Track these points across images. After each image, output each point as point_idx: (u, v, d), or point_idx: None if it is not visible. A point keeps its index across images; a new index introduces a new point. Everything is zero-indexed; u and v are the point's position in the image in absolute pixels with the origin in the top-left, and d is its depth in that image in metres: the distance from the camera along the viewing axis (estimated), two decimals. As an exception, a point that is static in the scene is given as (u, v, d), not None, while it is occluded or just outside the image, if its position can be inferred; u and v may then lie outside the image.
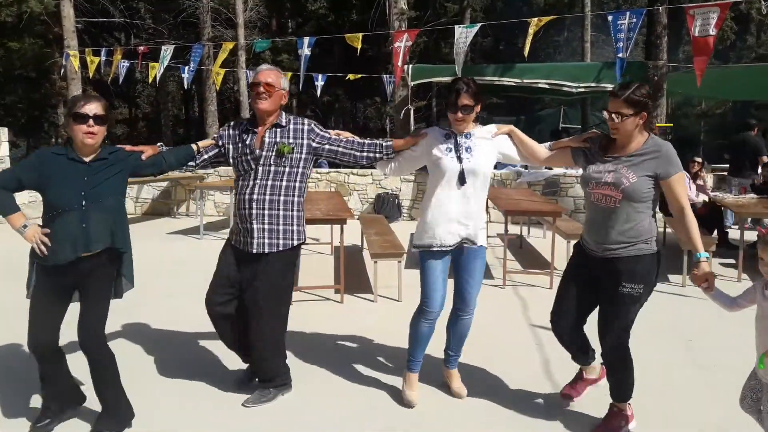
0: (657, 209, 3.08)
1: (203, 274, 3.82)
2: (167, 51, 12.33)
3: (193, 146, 3.41)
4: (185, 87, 15.15)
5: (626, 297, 2.91)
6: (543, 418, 3.28)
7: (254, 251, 3.25)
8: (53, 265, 2.80)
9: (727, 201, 7.32)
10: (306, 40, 11.21)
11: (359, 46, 10.92)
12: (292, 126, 3.33)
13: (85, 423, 3.11)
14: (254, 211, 3.23)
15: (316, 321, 4.91)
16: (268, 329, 3.34)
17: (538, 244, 8.41)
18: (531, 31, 9.60)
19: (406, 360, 3.52)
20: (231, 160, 3.35)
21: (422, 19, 21.63)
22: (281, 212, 3.27)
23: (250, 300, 3.29)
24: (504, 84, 12.48)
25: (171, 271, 6.67)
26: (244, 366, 3.66)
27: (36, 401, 3.30)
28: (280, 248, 3.27)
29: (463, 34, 10.17)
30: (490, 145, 3.32)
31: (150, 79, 14.43)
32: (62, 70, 15.98)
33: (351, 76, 14.53)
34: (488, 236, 8.62)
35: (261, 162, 3.24)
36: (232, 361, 3.79)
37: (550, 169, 10.19)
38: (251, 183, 3.25)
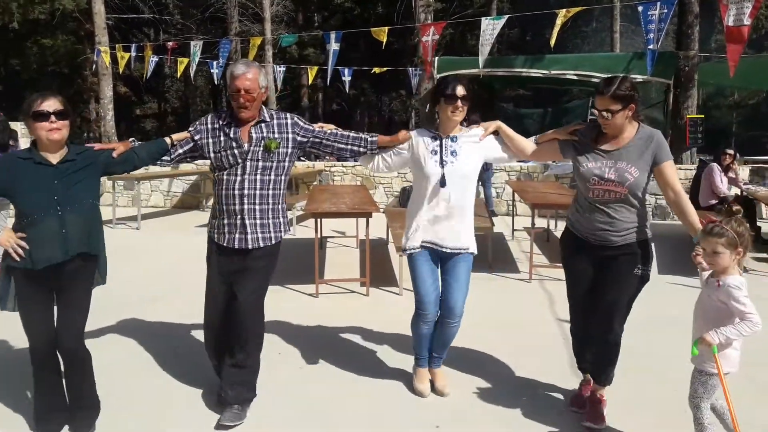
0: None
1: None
2: (197, 47, 12.48)
3: (167, 140, 3.30)
4: (215, 82, 15.31)
5: (638, 279, 3.03)
6: (570, 411, 3.27)
7: (249, 246, 3.20)
8: (32, 269, 2.74)
9: (760, 194, 7.16)
10: (333, 34, 11.25)
11: (385, 40, 10.91)
12: (275, 121, 3.27)
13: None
14: (245, 207, 3.18)
15: (342, 314, 4.96)
16: (255, 322, 3.29)
17: (565, 237, 8.33)
18: (559, 22, 9.50)
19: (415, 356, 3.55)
20: (212, 155, 3.23)
21: (448, 11, 21.51)
22: (271, 206, 3.24)
23: (241, 295, 3.21)
24: (531, 75, 12.37)
25: (195, 264, 6.76)
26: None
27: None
28: (272, 241, 3.25)
29: (490, 26, 10.10)
30: (476, 148, 3.30)
31: (179, 74, 14.61)
32: (93, 66, 16.28)
33: (377, 70, 14.54)
34: (515, 229, 8.69)
35: (249, 157, 3.18)
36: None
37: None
38: (239, 178, 3.18)
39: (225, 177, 3.20)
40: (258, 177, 3.18)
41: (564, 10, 9.71)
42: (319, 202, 6.27)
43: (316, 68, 14.87)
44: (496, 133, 3.38)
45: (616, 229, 3.00)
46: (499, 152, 3.35)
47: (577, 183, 3.21)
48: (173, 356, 3.99)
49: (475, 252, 3.37)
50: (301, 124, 3.34)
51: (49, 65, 22.03)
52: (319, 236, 6.44)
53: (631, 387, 3.48)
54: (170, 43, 13.77)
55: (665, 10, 8.65)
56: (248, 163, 3.17)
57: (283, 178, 3.29)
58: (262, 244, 3.21)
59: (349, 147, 3.40)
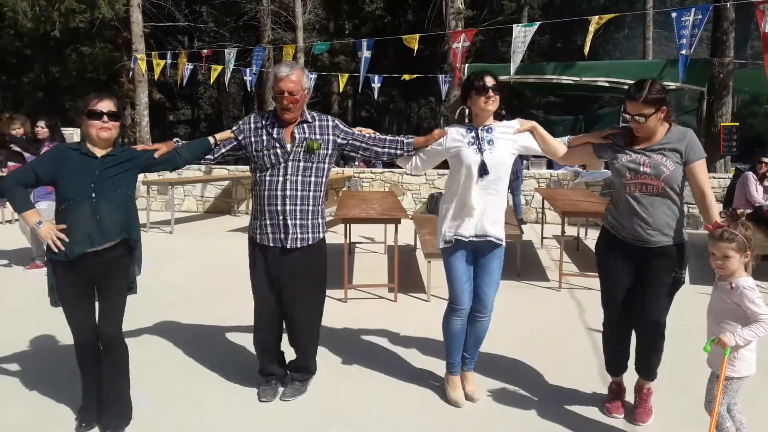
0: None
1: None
2: (231, 54, 12.70)
3: (210, 139, 3.37)
4: (248, 89, 15.53)
5: (675, 282, 3.07)
6: (601, 421, 3.26)
7: (289, 246, 3.28)
8: (70, 261, 2.84)
9: (797, 204, 7.01)
10: (365, 42, 11.35)
11: (416, 47, 10.97)
12: (317, 122, 3.34)
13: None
14: (287, 207, 3.24)
15: (370, 319, 5.00)
16: (309, 320, 3.45)
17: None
18: (591, 29, 9.43)
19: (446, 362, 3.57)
20: (254, 154, 3.29)
21: (479, 18, 21.49)
22: (311, 207, 3.31)
23: (293, 295, 3.34)
24: (562, 82, 12.30)
25: (227, 268, 6.89)
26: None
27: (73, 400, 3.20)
28: (311, 241, 3.33)
29: (522, 33, 10.08)
30: (510, 139, 3.33)
31: (212, 81, 14.88)
32: (130, 73, 16.68)
33: (406, 77, 14.61)
34: (544, 237, 8.63)
35: (291, 157, 3.25)
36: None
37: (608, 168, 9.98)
38: (281, 179, 3.24)
39: (267, 178, 3.27)
40: (299, 178, 3.25)
41: (597, 16, 9.64)
42: (348, 208, 6.34)
43: (346, 75, 15.00)
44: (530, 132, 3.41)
45: (653, 227, 3.03)
46: (533, 144, 3.38)
47: (613, 182, 3.24)
48: (210, 357, 4.07)
49: (504, 242, 3.38)
50: (342, 126, 3.42)
51: (87, 72, 22.61)
52: (348, 242, 6.50)
53: (657, 394, 3.45)
54: (205, 51, 14.04)
55: (699, 16, 8.54)
56: (290, 164, 3.24)
57: (323, 179, 3.36)
58: (301, 245, 3.30)
59: (387, 150, 3.47)
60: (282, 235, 3.28)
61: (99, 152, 2.94)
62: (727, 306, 2.63)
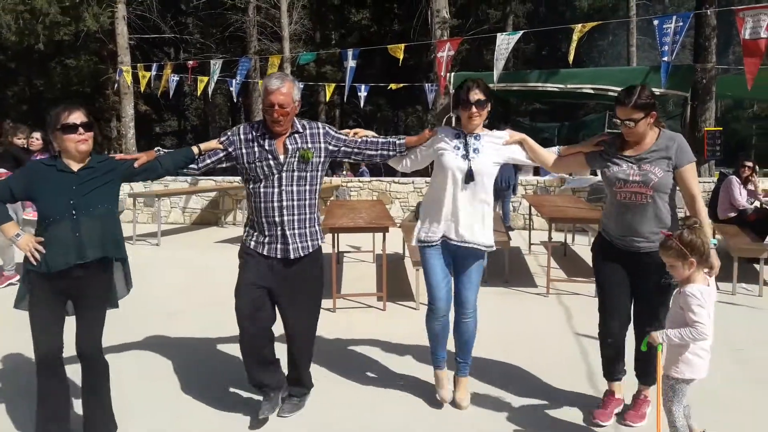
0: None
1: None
2: (216, 65, 12.68)
3: (194, 149, 3.29)
4: (233, 99, 15.52)
5: (668, 287, 3.07)
6: (588, 427, 3.27)
7: (292, 257, 3.25)
8: (47, 273, 2.80)
9: (780, 207, 7.10)
10: (351, 52, 11.39)
11: (401, 57, 11.02)
12: (308, 131, 3.32)
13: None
14: (285, 218, 3.23)
15: (359, 328, 4.99)
16: (308, 331, 3.44)
17: (582, 251, 8.31)
18: (575, 37, 9.52)
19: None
20: (246, 166, 3.24)
21: (464, 27, 21.63)
22: (308, 215, 3.30)
23: (293, 305, 3.32)
24: (548, 90, 12.38)
25: (214, 280, 6.85)
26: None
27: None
28: (310, 249, 3.32)
29: (505, 41, 10.16)
30: (497, 149, 3.35)
31: (198, 92, 14.87)
32: (115, 85, 16.63)
33: (393, 86, 14.68)
34: (531, 243, 8.67)
35: (285, 168, 3.22)
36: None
37: (595, 174, 10.06)
38: (276, 190, 3.22)
39: (262, 189, 3.23)
40: (294, 188, 3.24)
41: (580, 24, 9.74)
42: (336, 217, 6.33)
43: (333, 85, 15.04)
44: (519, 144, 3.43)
45: (640, 234, 3.07)
46: (521, 155, 3.40)
47: (605, 188, 3.29)
48: (199, 369, 4.04)
49: (493, 248, 3.39)
50: (333, 133, 3.40)
51: (72, 85, 22.51)
52: (336, 251, 6.49)
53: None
54: (190, 62, 14.02)
55: (681, 23, 8.65)
56: (284, 174, 3.22)
57: (317, 187, 3.36)
58: (303, 254, 3.29)
59: (379, 152, 3.47)
60: (281, 246, 3.25)
61: (75, 166, 2.89)
62: (678, 311, 2.72)
